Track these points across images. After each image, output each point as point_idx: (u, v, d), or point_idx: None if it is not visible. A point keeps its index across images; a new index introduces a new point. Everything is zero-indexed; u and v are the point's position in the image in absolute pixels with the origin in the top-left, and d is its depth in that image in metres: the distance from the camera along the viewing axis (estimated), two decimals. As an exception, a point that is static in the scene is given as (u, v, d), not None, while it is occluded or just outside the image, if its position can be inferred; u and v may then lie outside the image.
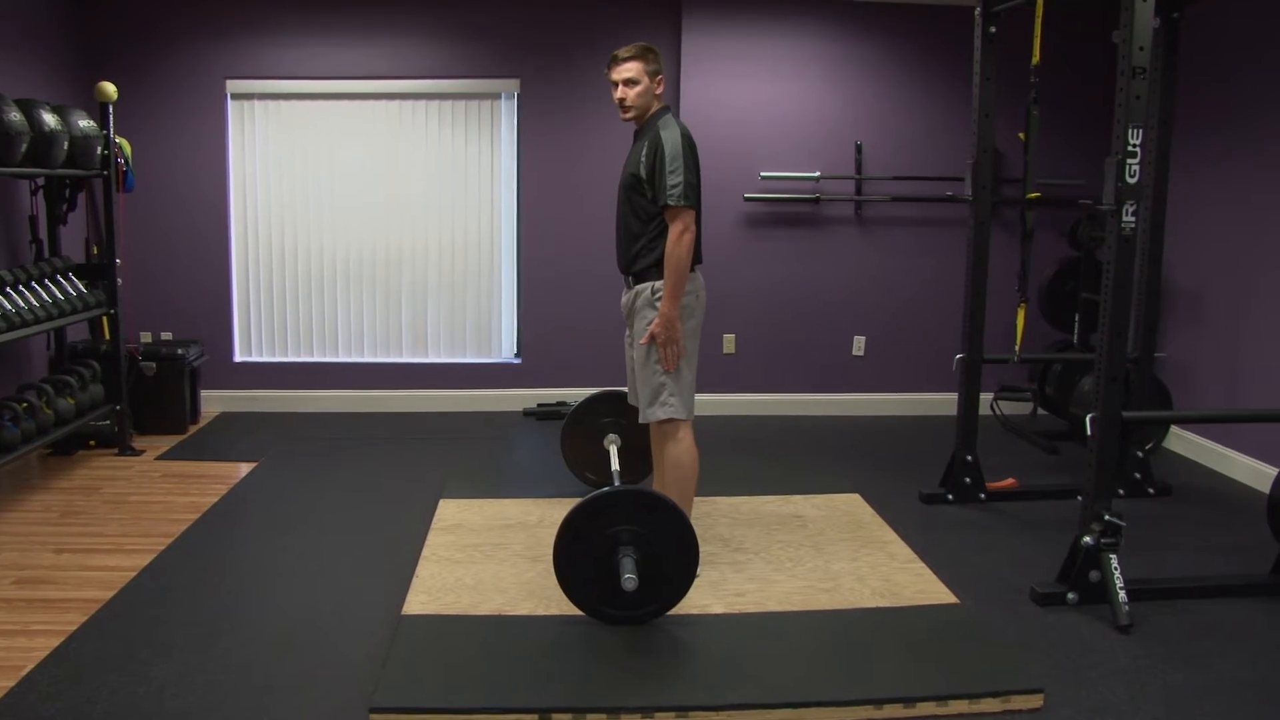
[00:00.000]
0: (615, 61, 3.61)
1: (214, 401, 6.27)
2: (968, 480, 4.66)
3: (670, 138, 3.51)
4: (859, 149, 6.15)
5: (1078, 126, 6.01)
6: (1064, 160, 5.96)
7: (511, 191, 6.36)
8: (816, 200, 6.16)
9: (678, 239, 3.47)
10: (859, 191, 6.20)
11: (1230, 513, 4.64)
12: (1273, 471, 4.76)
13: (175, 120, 6.06)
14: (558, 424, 6.08)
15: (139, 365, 5.68)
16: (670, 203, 3.46)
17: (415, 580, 3.58)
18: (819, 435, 5.99)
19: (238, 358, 6.37)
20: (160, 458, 5.32)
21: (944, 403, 6.33)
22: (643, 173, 3.54)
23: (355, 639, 3.24)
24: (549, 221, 6.30)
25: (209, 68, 6.05)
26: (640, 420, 3.73)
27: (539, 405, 6.35)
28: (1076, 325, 5.77)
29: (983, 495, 4.67)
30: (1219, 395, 5.24)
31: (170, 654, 3.10)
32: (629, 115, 3.65)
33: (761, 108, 6.12)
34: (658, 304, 3.57)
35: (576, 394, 6.40)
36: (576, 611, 3.28)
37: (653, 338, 3.54)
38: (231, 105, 6.15)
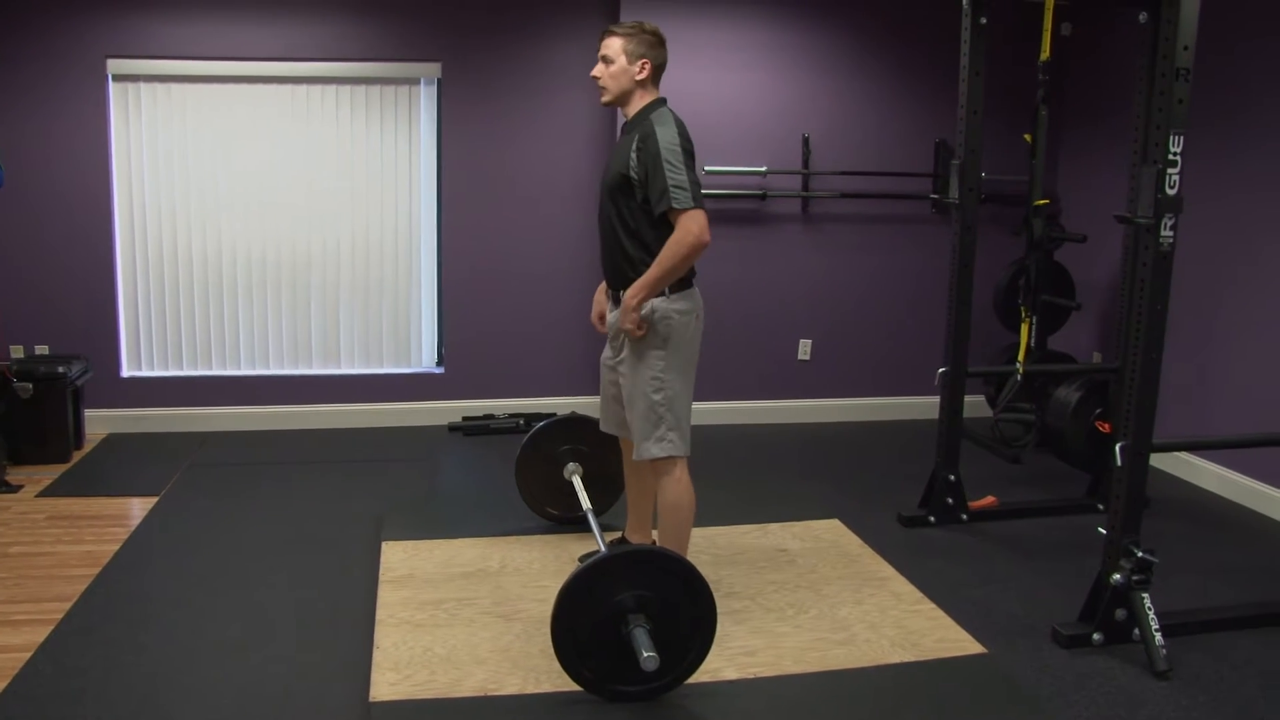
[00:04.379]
0: (602, 35, 3.24)
1: (99, 422, 5.56)
2: (950, 501, 4.39)
3: (665, 133, 3.07)
4: (806, 142, 5.81)
5: (1028, 120, 5.80)
6: (1012, 155, 5.72)
7: (431, 186, 5.81)
8: (763, 197, 5.80)
9: (683, 237, 3.02)
10: (806, 187, 5.87)
11: (1216, 527, 4.49)
12: (1241, 479, 4.67)
13: (49, 104, 5.30)
14: (488, 439, 5.64)
15: (12, 386, 4.96)
16: (675, 205, 3.01)
17: (377, 653, 3.08)
18: (770, 446, 5.65)
19: (125, 372, 5.66)
20: (43, 494, 4.64)
21: (892, 407, 6.12)
22: (633, 172, 3.11)
23: (315, 734, 2.75)
24: (473, 219, 5.78)
25: (87, 45, 5.30)
26: (635, 458, 3.30)
27: (465, 419, 5.84)
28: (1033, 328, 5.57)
29: (964, 516, 4.41)
30: (1193, 405, 5.07)
31: (87, 769, 2.55)
32: (604, 98, 3.25)
33: (705, 98, 5.69)
34: (659, 325, 3.15)
35: (504, 405, 5.94)
36: (571, 686, 2.86)
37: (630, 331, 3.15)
38: (114, 88, 5.42)
